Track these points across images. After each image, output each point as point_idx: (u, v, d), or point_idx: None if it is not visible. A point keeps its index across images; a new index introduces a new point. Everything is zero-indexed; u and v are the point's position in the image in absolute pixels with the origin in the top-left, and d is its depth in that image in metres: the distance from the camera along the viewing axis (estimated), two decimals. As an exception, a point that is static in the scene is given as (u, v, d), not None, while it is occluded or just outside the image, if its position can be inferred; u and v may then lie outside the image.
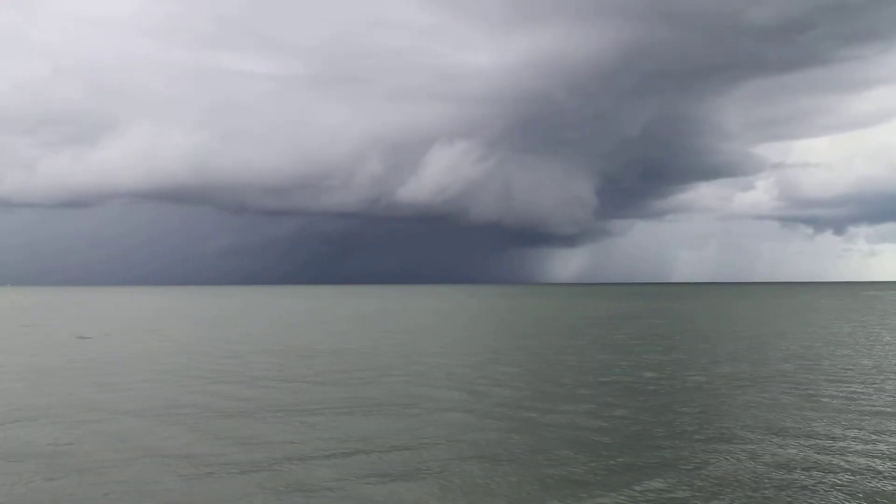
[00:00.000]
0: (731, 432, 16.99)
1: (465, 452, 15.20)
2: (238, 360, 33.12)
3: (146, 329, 55.83)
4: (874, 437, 16.49)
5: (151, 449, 15.70)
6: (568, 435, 16.81)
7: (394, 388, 24.24)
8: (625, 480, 13.14)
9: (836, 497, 12.18)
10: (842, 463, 14.24)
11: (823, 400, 21.26)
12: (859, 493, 12.39)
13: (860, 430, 17.21)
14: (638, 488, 12.67)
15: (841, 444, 15.80)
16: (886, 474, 13.47)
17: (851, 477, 13.30)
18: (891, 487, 12.68)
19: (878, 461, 14.38)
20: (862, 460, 14.44)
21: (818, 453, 14.99)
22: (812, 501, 11.97)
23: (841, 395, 22.15)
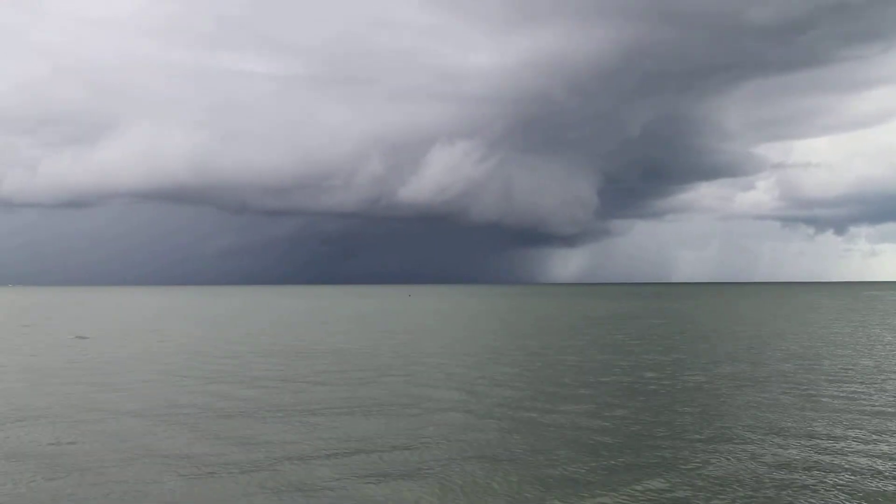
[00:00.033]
0: (731, 432, 16.98)
1: (466, 452, 15.19)
2: (238, 360, 33.12)
3: (146, 329, 55.83)
4: (875, 437, 16.48)
5: (152, 449, 15.70)
6: (568, 435, 16.81)
7: (394, 388, 24.24)
8: (625, 480, 13.13)
9: (836, 497, 12.17)
10: (842, 463, 14.23)
11: (824, 400, 21.25)
12: (860, 493, 12.38)
13: (861, 430, 17.20)
14: (638, 488, 12.67)
15: (841, 444, 15.79)
16: (887, 474, 13.47)
17: (852, 477, 13.29)
18: (892, 488, 12.68)
19: (879, 461, 14.38)
20: (863, 460, 14.44)
21: (819, 453, 14.98)
22: (813, 501, 11.97)
23: (841, 395, 22.14)
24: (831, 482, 12.96)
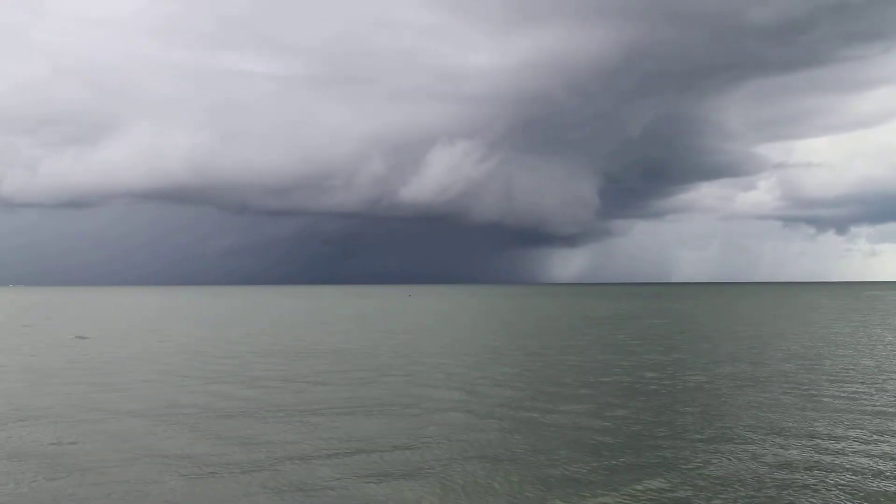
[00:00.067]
0: (732, 432, 16.98)
1: (467, 452, 15.19)
2: (238, 360, 33.12)
3: (146, 329, 55.83)
4: (876, 437, 16.47)
5: (153, 449, 15.70)
6: (569, 435, 16.80)
7: (395, 388, 24.24)
8: (626, 480, 13.12)
9: (838, 497, 12.16)
10: (844, 463, 14.22)
11: (825, 400, 21.24)
12: (861, 493, 12.37)
13: (862, 430, 17.19)
14: (640, 488, 12.66)
15: (843, 444, 15.78)
16: (888, 475, 13.46)
17: (853, 477, 13.28)
18: (893, 488, 12.67)
19: (880, 461, 14.36)
20: (864, 461, 14.43)
21: (820, 454, 14.97)
22: (814, 502, 11.96)
23: (842, 395, 22.13)
24: (832, 482, 12.95)
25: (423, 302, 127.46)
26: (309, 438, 16.58)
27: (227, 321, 66.90)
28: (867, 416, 18.77)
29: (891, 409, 19.75)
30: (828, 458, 14.54)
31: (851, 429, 17.30)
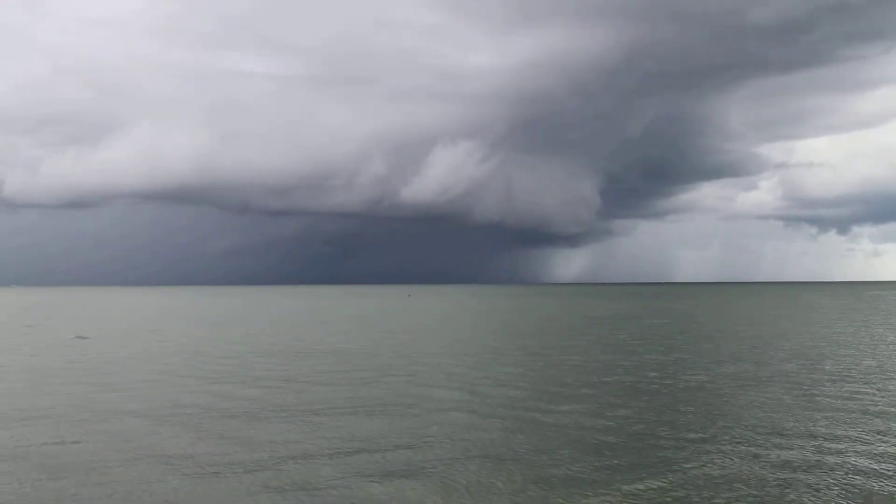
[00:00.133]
0: (733, 432, 16.97)
1: (469, 452, 15.19)
2: (239, 360, 33.13)
3: (147, 329, 55.86)
4: (877, 437, 16.46)
5: (155, 449, 15.71)
6: (571, 435, 16.81)
7: (396, 388, 24.24)
8: (628, 480, 13.12)
9: (839, 498, 12.15)
10: (845, 463, 14.22)
11: (826, 400, 21.23)
12: (862, 493, 12.37)
13: (863, 430, 17.18)
14: (641, 487, 12.66)
15: (844, 444, 15.77)
16: (889, 475, 13.45)
17: (854, 477, 13.28)
18: (893, 488, 12.66)
19: (881, 461, 14.36)
20: (865, 461, 14.42)
21: (821, 454, 14.97)
22: (815, 502, 11.96)
23: (844, 395, 22.13)
24: (833, 482, 12.95)
25: (423, 302, 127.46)
26: (311, 438, 16.59)
27: (227, 321, 66.92)
28: (869, 417, 18.77)
29: (893, 410, 19.75)
30: (829, 459, 14.54)
31: (853, 429, 17.29)
